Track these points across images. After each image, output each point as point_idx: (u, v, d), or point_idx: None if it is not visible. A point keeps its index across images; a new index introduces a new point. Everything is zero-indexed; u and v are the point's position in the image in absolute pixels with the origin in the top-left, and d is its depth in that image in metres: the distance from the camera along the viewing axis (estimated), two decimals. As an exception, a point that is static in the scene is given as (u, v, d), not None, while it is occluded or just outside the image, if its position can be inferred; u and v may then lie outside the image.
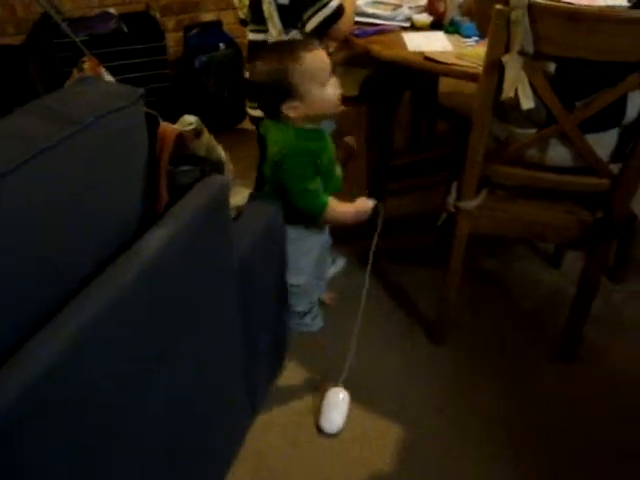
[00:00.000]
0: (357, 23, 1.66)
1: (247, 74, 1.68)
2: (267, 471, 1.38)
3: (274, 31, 1.61)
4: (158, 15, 2.70)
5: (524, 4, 1.12)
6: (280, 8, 1.55)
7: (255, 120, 1.72)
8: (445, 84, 2.18)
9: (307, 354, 1.69)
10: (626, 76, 1.19)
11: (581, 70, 1.22)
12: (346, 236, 2.19)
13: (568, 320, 1.62)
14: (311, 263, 1.49)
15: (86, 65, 1.03)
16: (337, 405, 1.50)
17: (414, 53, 1.46)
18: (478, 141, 1.34)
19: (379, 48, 1.51)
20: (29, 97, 0.93)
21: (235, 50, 2.81)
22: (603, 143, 1.32)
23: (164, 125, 0.95)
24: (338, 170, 1.45)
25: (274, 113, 1.26)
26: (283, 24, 1.60)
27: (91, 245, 0.86)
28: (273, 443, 1.44)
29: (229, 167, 1.12)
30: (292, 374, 1.62)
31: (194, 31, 2.83)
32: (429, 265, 2.01)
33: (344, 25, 1.59)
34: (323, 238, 1.56)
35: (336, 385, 1.53)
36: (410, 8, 1.75)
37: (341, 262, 2.03)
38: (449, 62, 1.37)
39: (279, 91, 1.21)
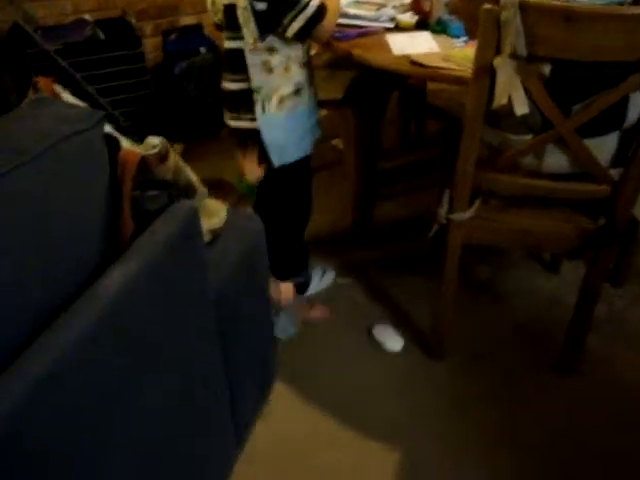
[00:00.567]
0: (339, 25, 1.56)
1: (225, 84, 1.60)
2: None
3: (250, 38, 1.52)
4: (134, 21, 2.60)
5: (515, 3, 1.04)
6: (257, 14, 1.46)
7: (235, 132, 1.63)
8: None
9: (297, 374, 1.61)
10: (625, 77, 1.12)
11: (578, 72, 1.14)
12: (333, 248, 2.12)
13: (568, 330, 1.55)
14: None
15: (40, 84, 0.93)
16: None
17: (399, 57, 1.37)
18: (469, 150, 1.26)
19: (362, 52, 1.42)
20: (2, 108, 0.89)
21: (216, 54, 2.72)
22: (603, 148, 1.24)
23: (125, 149, 0.87)
24: None
25: None
26: (260, 30, 1.51)
27: (46, 285, 0.77)
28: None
29: (200, 189, 1.03)
30: (280, 398, 1.54)
31: (173, 36, 2.74)
32: (423, 273, 1.93)
33: (328, 25, 1.49)
34: None
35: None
36: (394, 7, 1.66)
37: (330, 275, 1.95)
38: (435, 65, 1.29)
39: None
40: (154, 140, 0.91)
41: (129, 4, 2.67)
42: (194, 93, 2.74)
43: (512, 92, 1.13)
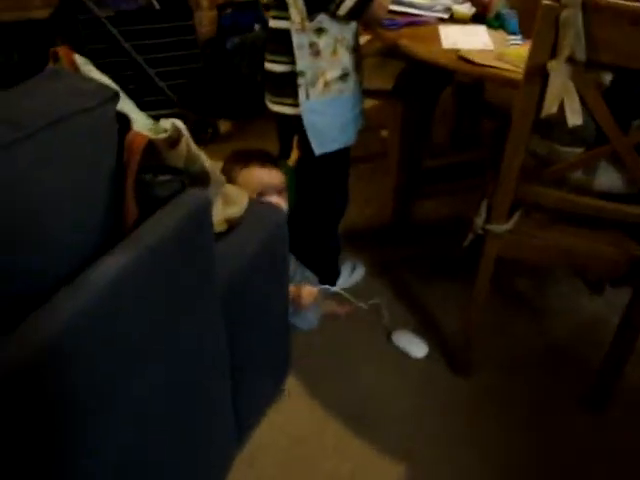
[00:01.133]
0: (390, 12, 1.47)
1: (268, 65, 1.54)
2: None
3: (297, 17, 1.45)
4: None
5: (578, 2, 0.93)
6: None
7: (276, 116, 1.57)
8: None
9: (311, 371, 1.56)
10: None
11: (643, 83, 1.03)
12: (368, 242, 2.05)
13: (606, 358, 1.43)
14: None
15: (61, 54, 0.90)
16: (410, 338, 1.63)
17: (447, 51, 1.27)
18: (513, 158, 1.15)
19: (409, 43, 1.33)
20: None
21: (270, 33, 2.66)
22: (663, 169, 1.12)
23: (134, 132, 0.82)
24: None
25: None
26: (309, 9, 1.43)
27: (32, 272, 0.74)
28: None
29: (217, 178, 0.98)
30: (290, 395, 1.49)
31: (228, 10, 2.69)
32: (457, 279, 1.83)
33: (379, 9, 1.41)
34: None
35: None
36: (452, -3, 1.55)
37: (360, 270, 1.88)
38: (486, 63, 1.19)
39: None
40: (166, 124, 0.86)
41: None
42: (246, 70, 2.69)
43: (566, 100, 1.02)
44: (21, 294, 0.72)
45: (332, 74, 1.43)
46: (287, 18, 1.48)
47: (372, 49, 1.98)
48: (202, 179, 0.94)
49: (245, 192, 1.17)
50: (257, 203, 1.23)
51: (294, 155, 1.63)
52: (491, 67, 1.19)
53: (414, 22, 1.45)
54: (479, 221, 1.29)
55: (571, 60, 0.99)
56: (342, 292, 1.74)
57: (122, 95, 0.93)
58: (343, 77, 1.46)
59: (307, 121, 1.46)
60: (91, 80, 0.88)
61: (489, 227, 1.28)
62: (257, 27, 2.64)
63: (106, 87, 0.86)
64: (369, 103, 2.61)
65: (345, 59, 1.44)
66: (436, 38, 1.35)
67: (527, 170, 1.19)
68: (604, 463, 1.36)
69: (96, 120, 0.81)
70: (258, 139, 2.20)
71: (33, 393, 0.67)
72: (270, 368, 1.36)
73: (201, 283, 0.95)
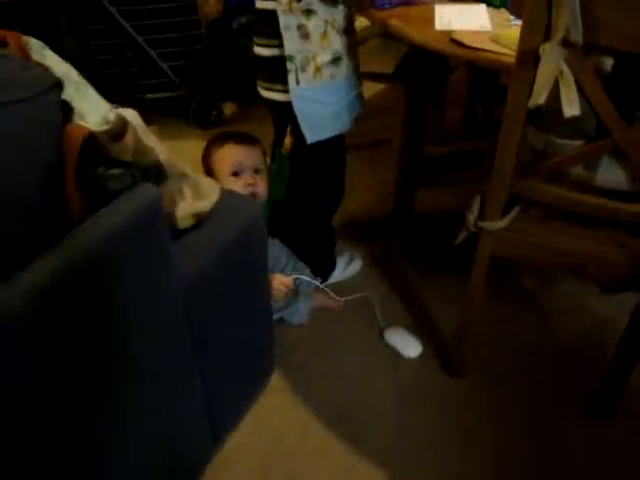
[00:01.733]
0: (387, -10, 1.37)
1: (256, 49, 1.46)
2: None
3: (284, -3, 1.37)
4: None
5: (573, -23, 0.83)
6: None
7: (269, 103, 1.50)
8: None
9: (298, 369, 1.50)
10: None
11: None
12: (366, 233, 1.96)
13: (612, 362, 1.33)
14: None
15: (9, 39, 0.83)
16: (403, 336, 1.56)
17: (441, 32, 1.17)
18: (506, 152, 1.06)
19: (399, 23, 1.23)
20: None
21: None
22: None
23: (73, 123, 0.76)
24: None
25: None
26: None
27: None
28: None
29: (178, 171, 0.91)
30: (274, 393, 1.44)
31: (235, -10, 2.59)
32: (458, 274, 1.73)
33: None
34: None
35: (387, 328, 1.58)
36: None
37: (357, 264, 1.81)
38: (478, 46, 1.08)
39: (207, 172, 1.44)
40: (110, 115, 0.79)
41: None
42: (252, 51, 2.61)
43: (561, 88, 0.92)
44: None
45: (323, 58, 1.35)
46: (274, -2, 1.39)
47: (374, 29, 1.88)
48: (156, 173, 0.87)
49: (217, 185, 1.10)
50: (231, 195, 1.16)
51: (287, 142, 1.55)
52: (484, 51, 1.08)
53: (409, 1, 1.34)
54: (471, 217, 1.20)
55: (566, 43, 0.88)
56: (326, 289, 1.66)
57: (81, 82, 0.87)
58: (335, 61, 1.37)
59: (298, 108, 1.38)
60: (33, 68, 0.82)
61: (482, 224, 1.19)
62: (264, 7, 2.55)
63: (48, 76, 0.79)
64: (376, 87, 2.53)
65: (336, 42, 1.35)
66: (430, 18, 1.25)
67: (522, 164, 1.10)
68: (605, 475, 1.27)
69: (33, 110, 0.75)
70: (263, 123, 2.11)
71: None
72: (251, 368, 1.30)
73: (154, 284, 0.89)
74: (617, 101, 0.94)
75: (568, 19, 0.86)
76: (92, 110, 0.85)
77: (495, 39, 1.11)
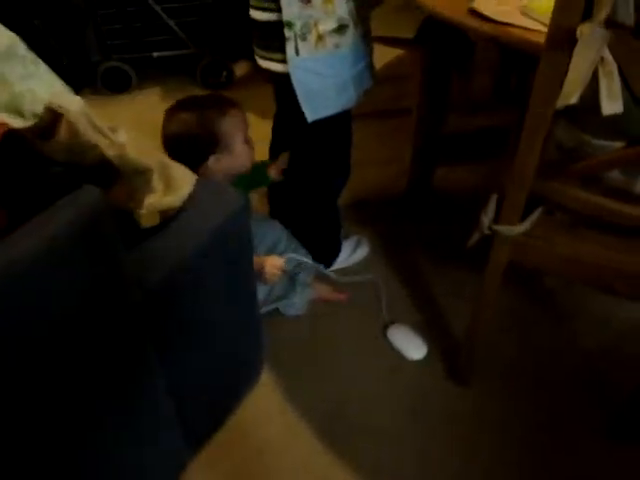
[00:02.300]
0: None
1: (252, 12, 1.28)
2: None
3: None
4: None
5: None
6: None
7: (269, 75, 1.32)
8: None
9: (289, 367, 1.38)
10: None
11: None
12: (377, 213, 1.81)
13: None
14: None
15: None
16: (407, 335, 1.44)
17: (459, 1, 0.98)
18: (531, 149, 0.88)
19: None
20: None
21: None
22: None
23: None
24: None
25: (196, 165, 1.16)
26: None
27: None
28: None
29: (137, 166, 0.77)
30: (263, 394, 1.33)
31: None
32: (477, 266, 1.58)
33: None
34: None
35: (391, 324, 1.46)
36: None
37: (363, 250, 1.66)
38: (504, 20, 0.89)
39: (208, 142, 1.19)
40: (38, 106, 0.65)
41: None
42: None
43: (601, 79, 0.74)
44: None
45: (326, 26, 1.17)
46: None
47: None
48: (102, 172, 0.73)
49: (193, 176, 0.96)
50: (209, 185, 1.01)
51: (281, 161, 1.42)
52: (510, 25, 0.89)
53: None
54: (486, 219, 1.04)
55: (611, 23, 0.70)
56: (332, 274, 1.53)
57: (30, 58, 0.73)
58: (340, 29, 1.19)
59: (297, 81, 1.22)
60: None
61: (497, 228, 1.03)
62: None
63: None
64: (395, 52, 2.31)
65: (341, 8, 1.17)
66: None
67: (549, 163, 0.92)
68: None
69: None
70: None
71: None
72: (234, 372, 1.19)
73: (99, 301, 0.76)
74: (671, 97, 0.75)
75: (615, -6, 0.67)
76: (44, 90, 0.71)
77: (525, 11, 0.91)
